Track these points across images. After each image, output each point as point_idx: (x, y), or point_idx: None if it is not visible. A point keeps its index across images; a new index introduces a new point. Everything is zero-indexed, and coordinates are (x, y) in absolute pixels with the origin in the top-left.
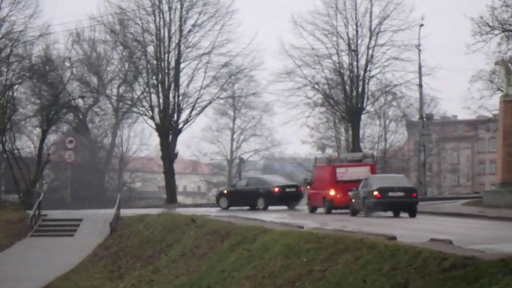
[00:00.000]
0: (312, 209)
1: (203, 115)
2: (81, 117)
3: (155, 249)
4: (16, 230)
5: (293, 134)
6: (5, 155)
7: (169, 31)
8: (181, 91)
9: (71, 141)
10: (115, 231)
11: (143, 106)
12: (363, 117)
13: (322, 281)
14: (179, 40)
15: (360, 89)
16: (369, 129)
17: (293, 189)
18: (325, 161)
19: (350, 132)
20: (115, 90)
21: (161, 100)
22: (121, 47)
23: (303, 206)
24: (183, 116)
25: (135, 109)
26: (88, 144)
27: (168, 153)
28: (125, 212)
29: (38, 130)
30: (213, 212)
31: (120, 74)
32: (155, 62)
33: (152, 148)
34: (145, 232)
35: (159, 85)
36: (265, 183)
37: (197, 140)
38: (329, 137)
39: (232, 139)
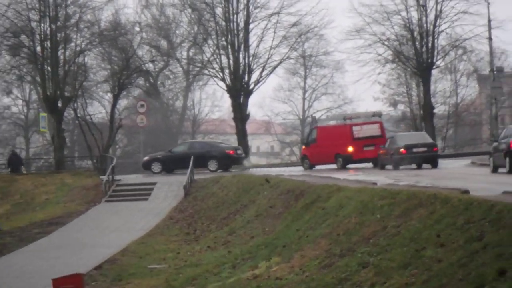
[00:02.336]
0: (311, 166)
1: (274, 75)
2: (152, 81)
3: (230, 211)
4: (90, 195)
5: (365, 92)
6: (77, 122)
7: None
8: (251, 51)
9: (142, 105)
10: (190, 193)
11: (213, 68)
12: (434, 72)
13: (396, 236)
14: (248, 1)
15: (430, 44)
16: (441, 84)
17: (241, 152)
18: (340, 120)
19: (422, 88)
20: (185, 53)
21: (231, 62)
22: (189, 10)
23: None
24: (254, 76)
25: (206, 71)
26: (160, 108)
27: (240, 114)
28: (198, 174)
29: (109, 96)
30: (286, 172)
31: (189, 37)
32: (224, 23)
33: (224, 110)
34: (220, 193)
35: (229, 47)
36: (216, 146)
37: (269, 100)
38: (400, 93)
39: (304, 98)
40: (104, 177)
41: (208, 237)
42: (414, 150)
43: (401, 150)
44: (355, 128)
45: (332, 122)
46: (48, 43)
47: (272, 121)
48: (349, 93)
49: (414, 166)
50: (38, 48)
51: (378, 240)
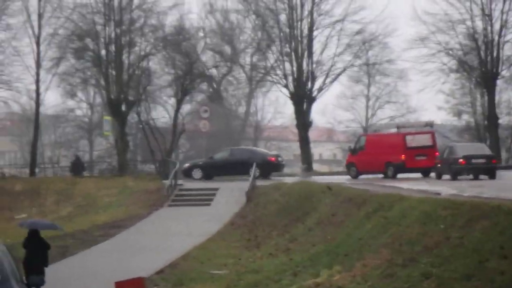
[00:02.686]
0: (357, 174)
1: (338, 82)
2: (215, 86)
3: (292, 218)
4: (153, 199)
5: (429, 101)
6: (141, 126)
7: None
8: (315, 58)
9: (205, 111)
10: (251, 200)
11: (276, 75)
12: (498, 82)
13: (459, 247)
14: (312, 8)
15: (494, 54)
16: (506, 94)
17: (281, 159)
18: (395, 129)
19: (486, 98)
20: (248, 59)
21: (294, 68)
22: (253, 16)
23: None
24: (317, 84)
25: (269, 78)
26: (223, 113)
27: (303, 121)
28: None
29: (173, 100)
30: (345, 180)
31: (253, 43)
32: (287, 30)
33: (287, 116)
34: (281, 200)
35: (293, 53)
36: (257, 153)
37: (332, 108)
38: (464, 103)
39: (367, 106)
40: (167, 182)
41: (269, 243)
42: (473, 161)
43: (460, 160)
44: (408, 138)
45: (392, 130)
46: (113, 46)
47: (334, 128)
48: (412, 102)
49: (471, 176)
50: (103, 52)
51: (441, 250)
